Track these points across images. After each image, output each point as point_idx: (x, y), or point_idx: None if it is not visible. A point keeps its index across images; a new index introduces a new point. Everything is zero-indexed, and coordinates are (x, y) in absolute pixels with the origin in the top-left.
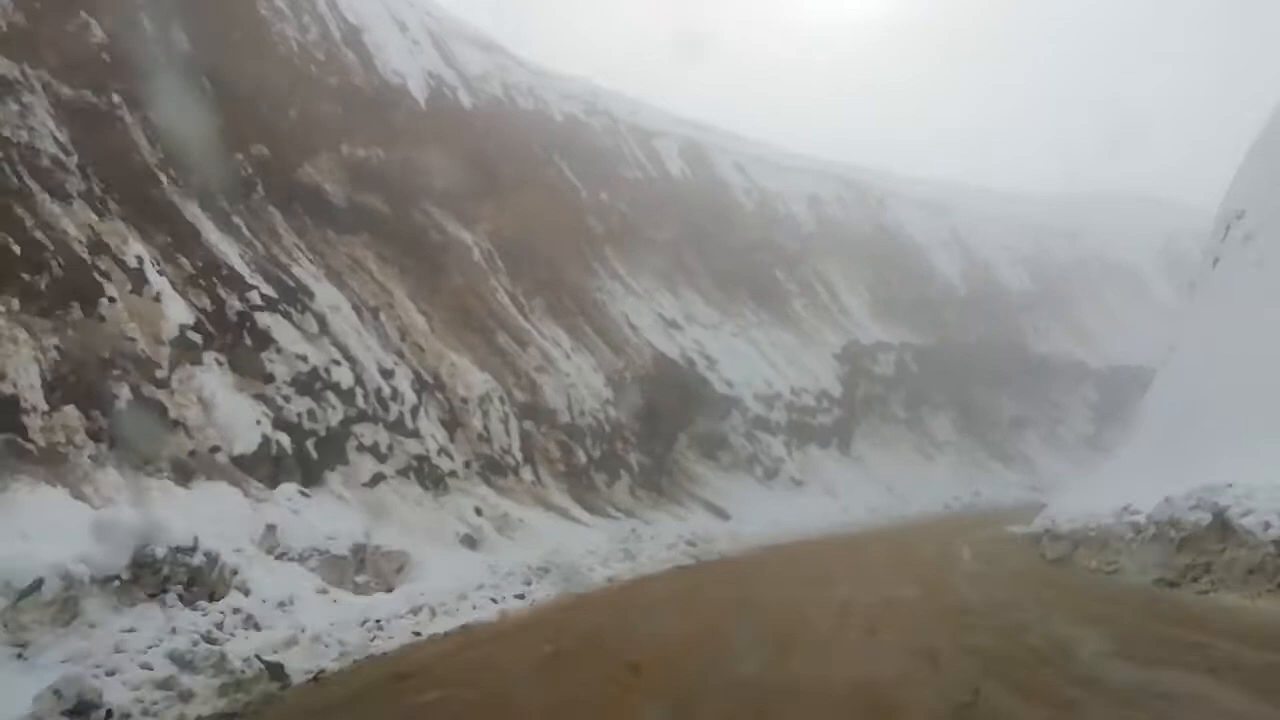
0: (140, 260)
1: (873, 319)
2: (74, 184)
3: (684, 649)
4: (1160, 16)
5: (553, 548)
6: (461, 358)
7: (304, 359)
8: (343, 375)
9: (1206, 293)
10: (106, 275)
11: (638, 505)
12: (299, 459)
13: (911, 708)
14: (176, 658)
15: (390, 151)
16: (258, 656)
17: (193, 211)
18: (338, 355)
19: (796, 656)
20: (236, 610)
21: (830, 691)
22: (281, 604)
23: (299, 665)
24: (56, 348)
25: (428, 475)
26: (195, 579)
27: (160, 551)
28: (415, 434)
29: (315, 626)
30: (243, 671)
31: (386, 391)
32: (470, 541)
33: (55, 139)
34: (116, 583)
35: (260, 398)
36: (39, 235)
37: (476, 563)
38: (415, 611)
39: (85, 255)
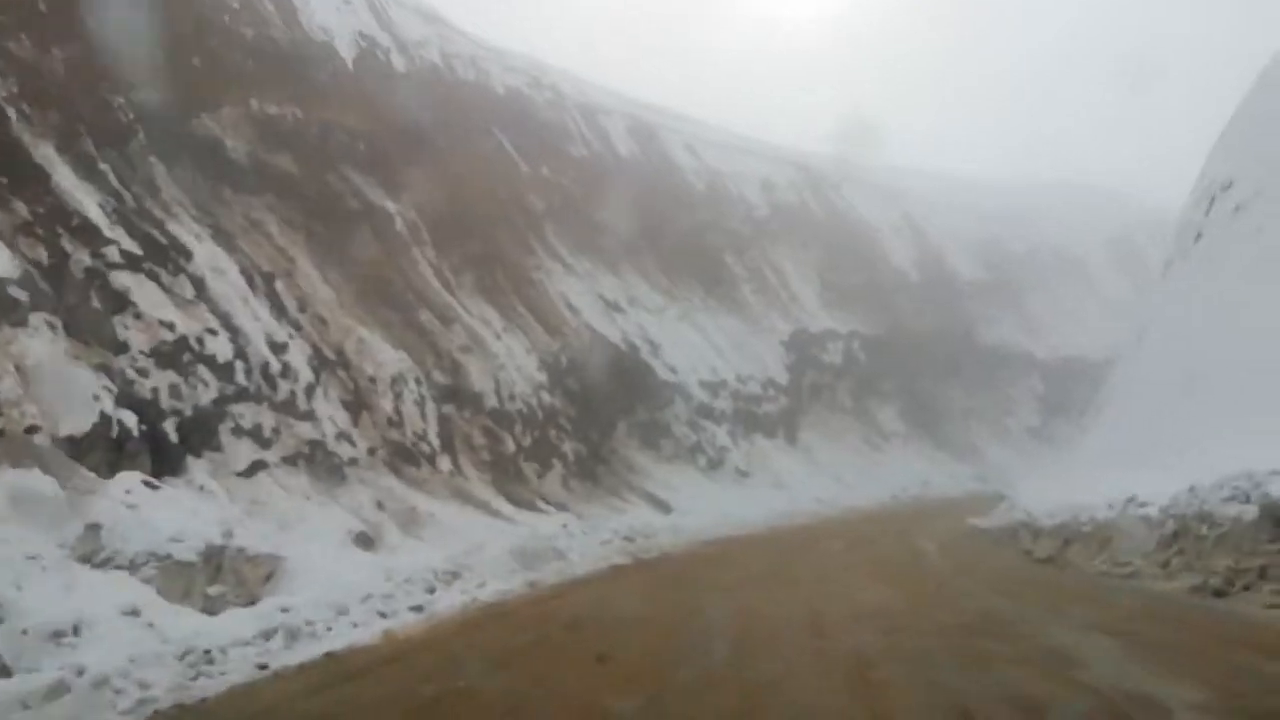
0: None
1: (822, 306)
2: None
3: (612, 691)
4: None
5: (467, 547)
6: (373, 333)
7: (170, 326)
8: (220, 347)
9: (1187, 269)
10: None
11: (571, 498)
12: (151, 443)
13: None
14: None
15: (309, 111)
16: None
17: (44, 153)
18: (215, 324)
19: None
20: None
21: None
22: (58, 634)
23: None
24: None
25: (321, 463)
26: None
27: None
28: (309, 416)
29: (106, 665)
30: None
31: (276, 367)
32: (366, 541)
33: None
34: None
35: (104, 369)
36: None
37: (370, 566)
38: (268, 635)
39: None
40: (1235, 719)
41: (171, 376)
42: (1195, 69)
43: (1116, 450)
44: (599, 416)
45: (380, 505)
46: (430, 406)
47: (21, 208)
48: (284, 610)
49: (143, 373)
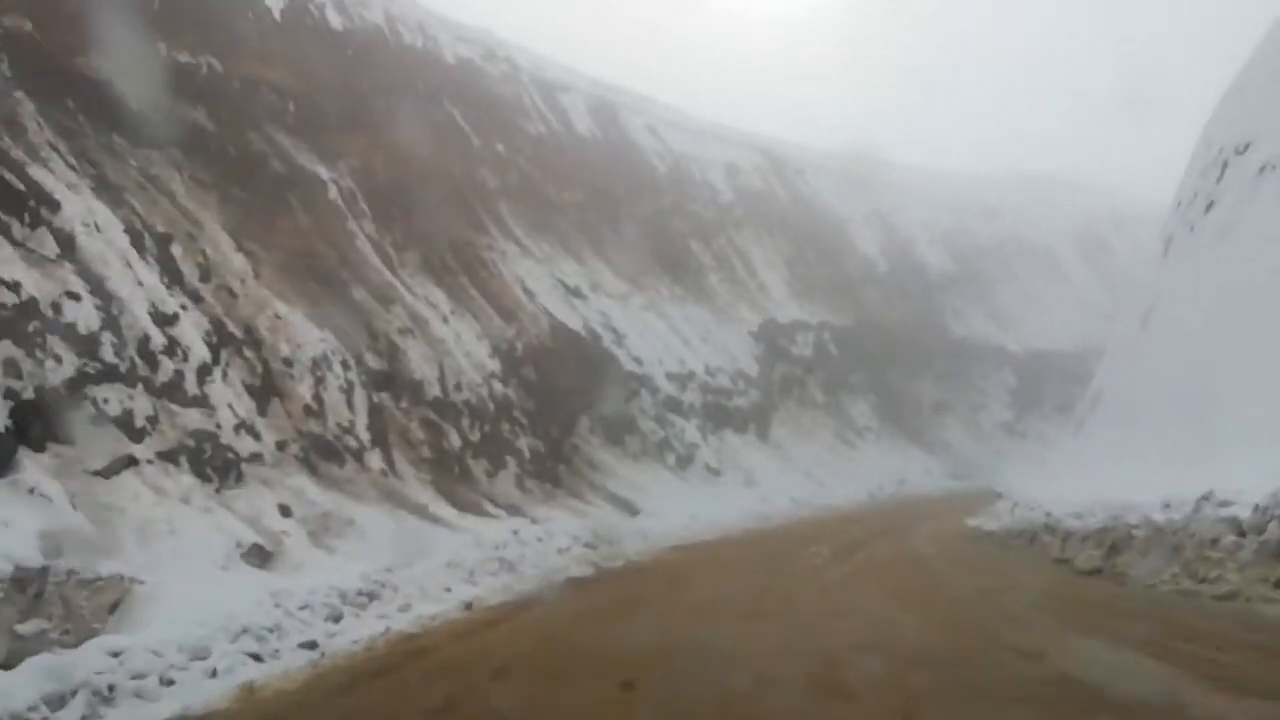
0: None
1: (791, 297)
2: None
3: None
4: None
5: (393, 560)
6: (293, 309)
7: (15, 288)
8: (83, 315)
9: (1195, 243)
10: None
11: (527, 499)
12: None
13: None
14: None
15: (229, 63)
16: None
17: None
18: (80, 288)
19: None
20: None
21: None
22: None
23: None
24: None
25: (213, 459)
26: None
27: None
28: (200, 402)
29: None
30: None
31: (159, 343)
32: (261, 556)
33: None
34: None
35: None
36: None
37: (259, 589)
38: (62, 699)
39: None
40: None
41: (8, 349)
42: (1178, 65)
43: (1143, 442)
44: (559, 410)
45: (286, 511)
46: (360, 394)
47: None
48: (115, 655)
49: None
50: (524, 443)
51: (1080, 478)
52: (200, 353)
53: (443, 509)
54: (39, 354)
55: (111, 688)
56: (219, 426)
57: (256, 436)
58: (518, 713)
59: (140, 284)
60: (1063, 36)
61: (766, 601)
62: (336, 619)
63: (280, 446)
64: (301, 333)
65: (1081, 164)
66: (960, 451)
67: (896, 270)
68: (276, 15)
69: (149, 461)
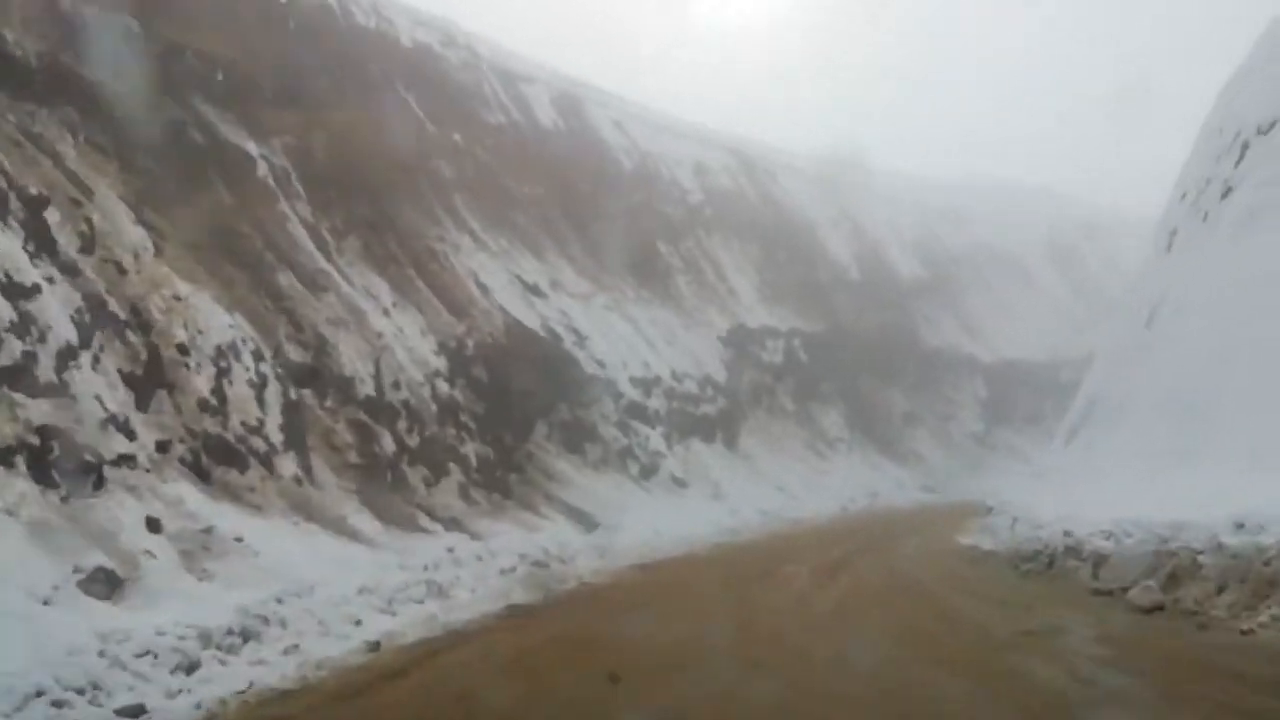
0: None
1: (760, 301)
2: None
3: None
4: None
5: (288, 587)
6: (199, 291)
7: None
8: None
9: (1211, 233)
10: None
11: (471, 512)
12: None
13: None
14: None
15: (149, 24)
16: None
17: None
18: None
19: None
20: None
21: None
22: None
23: None
24: None
25: (63, 461)
26: None
27: None
28: (56, 391)
29: None
30: None
31: (5, 318)
32: (108, 584)
33: None
34: None
35: None
36: None
37: (84, 630)
38: None
39: None
40: None
41: None
42: (1167, 73)
43: (1162, 450)
44: (512, 414)
45: (155, 526)
46: (274, 389)
47: None
48: None
49: None
50: (471, 449)
51: (1091, 491)
52: (64, 333)
53: (365, 523)
54: None
55: None
56: (79, 421)
57: (130, 435)
58: None
59: None
60: (1047, 42)
61: (742, 642)
62: (190, 669)
63: (161, 447)
64: (205, 317)
65: (1053, 171)
66: (931, 463)
67: (868, 276)
68: None
69: None
